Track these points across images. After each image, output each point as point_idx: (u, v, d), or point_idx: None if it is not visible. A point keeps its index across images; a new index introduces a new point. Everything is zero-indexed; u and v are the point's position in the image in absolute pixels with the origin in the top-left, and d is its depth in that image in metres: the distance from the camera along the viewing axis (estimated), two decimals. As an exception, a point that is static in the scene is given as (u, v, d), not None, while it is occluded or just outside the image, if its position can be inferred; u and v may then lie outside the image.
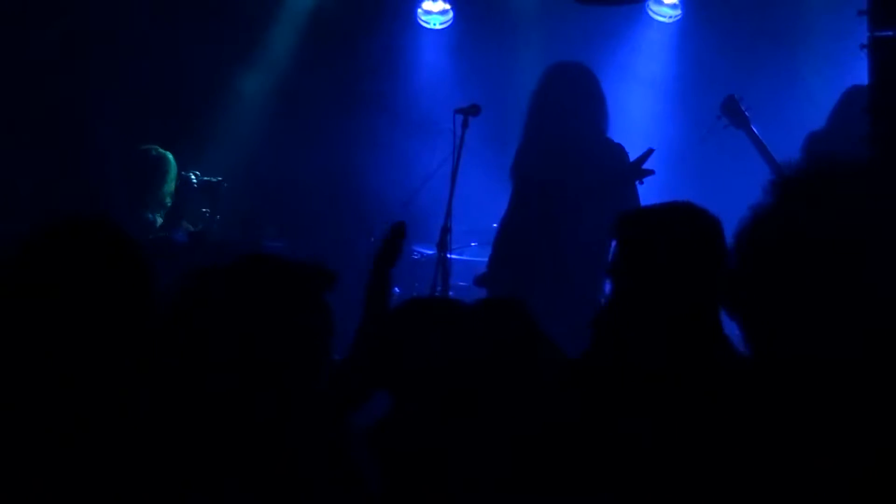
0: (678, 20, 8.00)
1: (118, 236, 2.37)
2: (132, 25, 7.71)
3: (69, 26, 7.47)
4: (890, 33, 4.09)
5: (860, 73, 4.52)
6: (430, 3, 8.20)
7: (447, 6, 8.18)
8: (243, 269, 2.72)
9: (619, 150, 5.41)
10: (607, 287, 2.93)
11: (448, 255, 5.57)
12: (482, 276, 5.67)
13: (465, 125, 5.48)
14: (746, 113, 6.13)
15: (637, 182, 5.29)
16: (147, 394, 2.28)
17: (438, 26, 8.24)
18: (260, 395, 2.56)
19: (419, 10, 8.22)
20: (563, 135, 5.39)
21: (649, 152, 5.30)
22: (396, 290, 7.45)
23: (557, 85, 5.50)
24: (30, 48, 7.37)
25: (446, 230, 5.42)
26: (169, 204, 6.56)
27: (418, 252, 7.21)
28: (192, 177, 6.54)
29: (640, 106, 7.96)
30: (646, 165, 5.30)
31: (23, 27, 7.31)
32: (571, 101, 5.43)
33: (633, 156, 5.36)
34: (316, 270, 2.75)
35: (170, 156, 6.68)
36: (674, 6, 7.97)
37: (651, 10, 7.99)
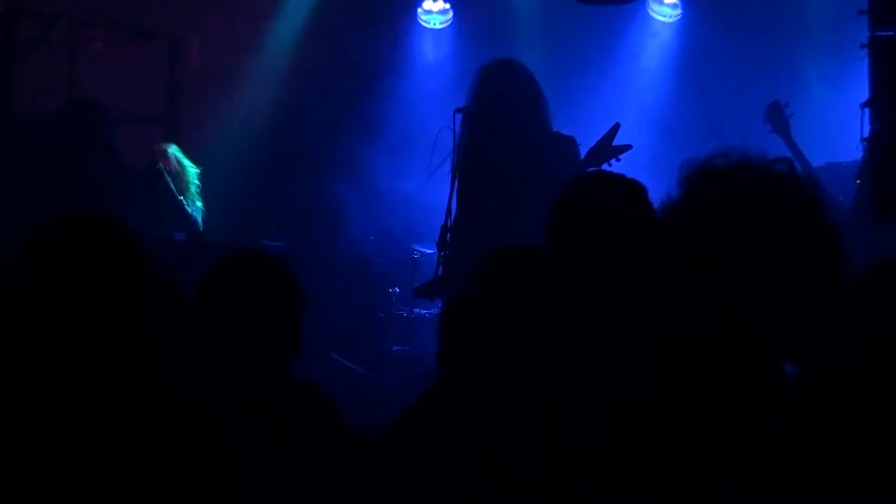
0: (678, 20, 8.00)
1: (120, 232, 2.37)
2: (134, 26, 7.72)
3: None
4: (890, 33, 4.10)
5: (860, 72, 4.53)
6: (430, 2, 8.20)
7: (447, 6, 8.18)
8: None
9: (571, 143, 5.28)
10: None
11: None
12: (425, 285, 5.54)
13: (464, 125, 5.45)
14: (788, 118, 6.14)
15: (614, 159, 5.09)
16: (148, 389, 2.28)
17: (438, 26, 8.25)
18: None
19: (419, 10, 8.22)
20: (506, 134, 5.25)
21: (616, 127, 5.12)
22: (396, 289, 7.48)
23: (494, 85, 5.35)
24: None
25: (446, 229, 5.38)
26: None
27: (418, 251, 7.20)
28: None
29: (640, 105, 7.96)
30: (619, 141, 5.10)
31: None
32: (511, 100, 5.28)
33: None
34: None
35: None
36: (674, 6, 7.97)
37: (651, 9, 7.99)
